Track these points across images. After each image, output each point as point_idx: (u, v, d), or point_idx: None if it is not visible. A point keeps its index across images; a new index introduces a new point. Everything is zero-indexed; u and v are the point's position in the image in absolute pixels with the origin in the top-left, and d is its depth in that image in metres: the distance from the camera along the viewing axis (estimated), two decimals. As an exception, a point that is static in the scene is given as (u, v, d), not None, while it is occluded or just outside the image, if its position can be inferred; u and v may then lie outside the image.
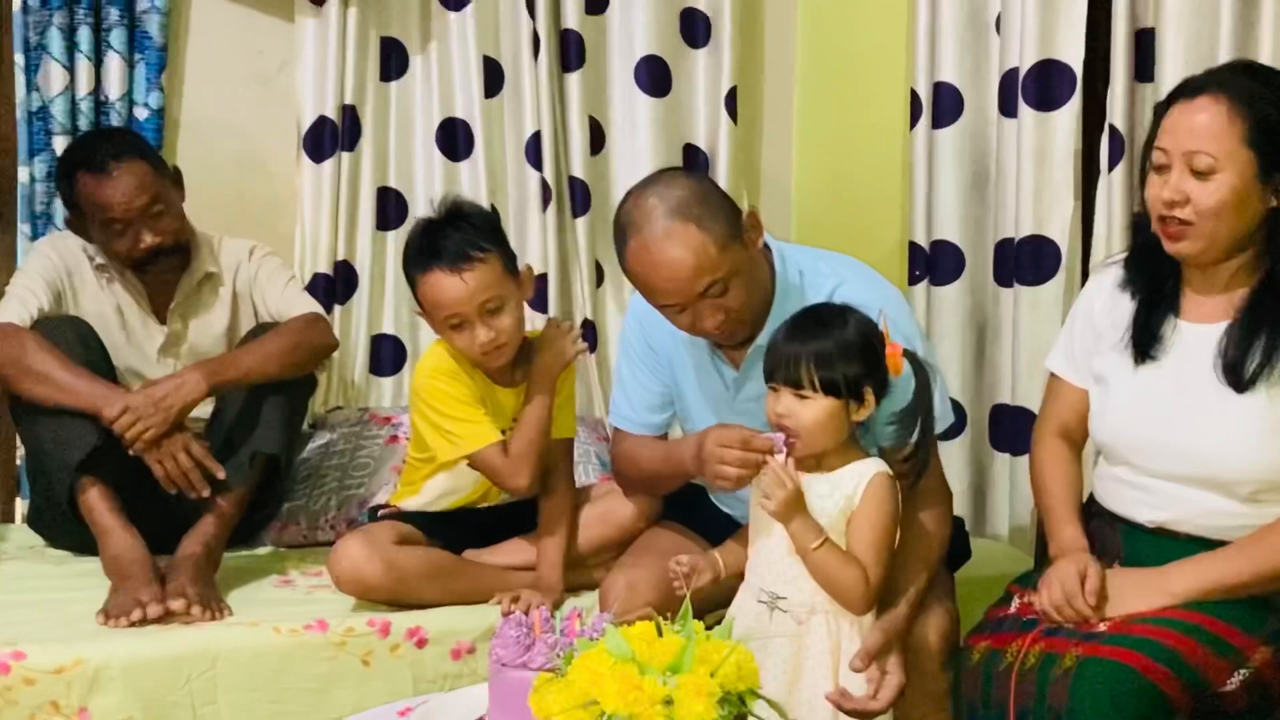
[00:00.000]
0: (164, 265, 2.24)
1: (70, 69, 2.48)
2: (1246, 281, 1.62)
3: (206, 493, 2.05)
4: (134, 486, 2.08)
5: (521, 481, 2.00)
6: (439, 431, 1.99)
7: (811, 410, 1.62)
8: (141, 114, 2.54)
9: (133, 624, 1.89)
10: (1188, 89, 1.61)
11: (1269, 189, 1.57)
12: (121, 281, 2.26)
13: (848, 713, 1.62)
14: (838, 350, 1.62)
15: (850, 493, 1.62)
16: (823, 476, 1.65)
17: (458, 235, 1.94)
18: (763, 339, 1.78)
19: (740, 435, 1.66)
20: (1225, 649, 1.51)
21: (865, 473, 1.63)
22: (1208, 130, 1.55)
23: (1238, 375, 1.58)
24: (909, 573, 1.72)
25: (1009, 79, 2.33)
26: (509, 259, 2.00)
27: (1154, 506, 1.66)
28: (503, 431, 2.02)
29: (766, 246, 1.82)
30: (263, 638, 1.88)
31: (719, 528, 1.97)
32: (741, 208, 1.78)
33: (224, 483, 2.08)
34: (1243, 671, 1.51)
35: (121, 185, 2.13)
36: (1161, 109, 1.64)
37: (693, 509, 2.05)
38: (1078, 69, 2.23)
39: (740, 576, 1.73)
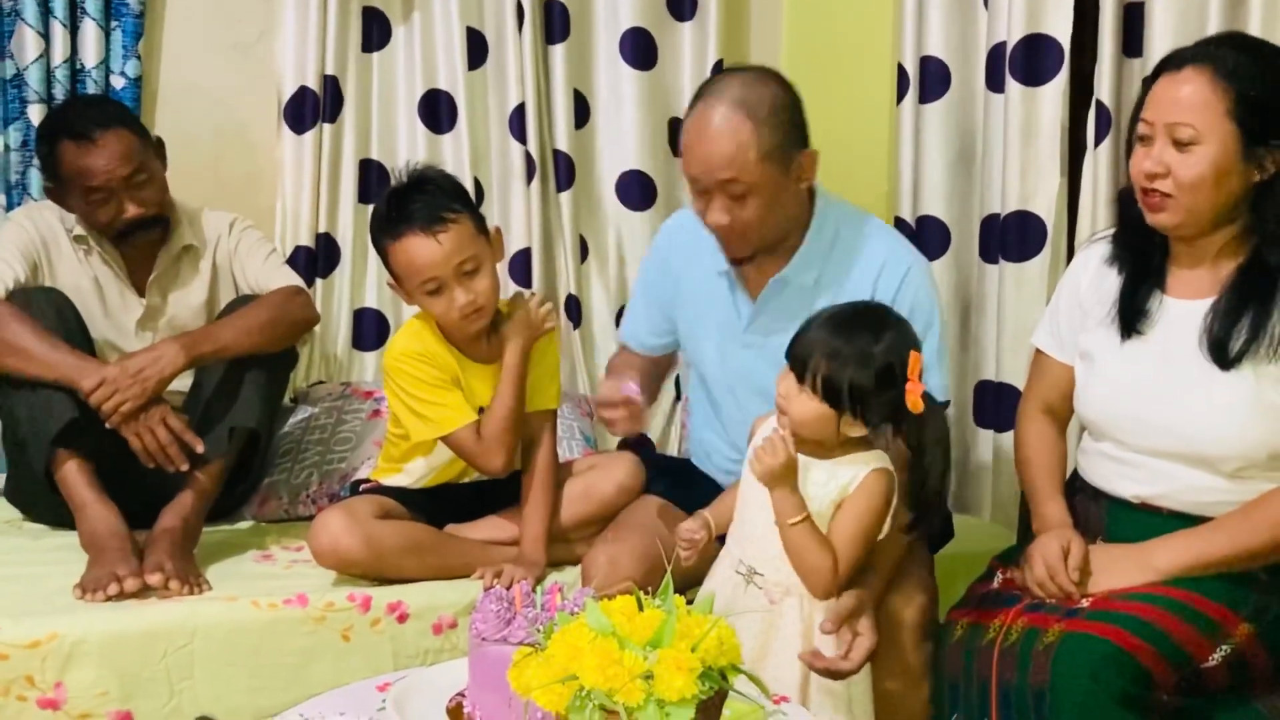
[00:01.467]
0: (145, 237, 2.20)
1: (45, 36, 2.44)
2: (1233, 257, 1.61)
3: (185, 467, 2.03)
4: (112, 460, 2.06)
5: (495, 462, 1.98)
6: (412, 413, 1.98)
7: (802, 407, 1.58)
8: (119, 83, 2.50)
9: (109, 598, 1.87)
10: (1174, 61, 1.60)
11: (1252, 163, 1.56)
12: (100, 253, 2.22)
13: (819, 672, 1.63)
14: (855, 359, 1.55)
15: (846, 484, 1.60)
16: (823, 463, 1.62)
17: (427, 199, 1.92)
18: (788, 273, 1.82)
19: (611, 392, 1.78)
20: (1208, 625, 1.51)
21: (864, 466, 1.61)
22: (1190, 102, 1.54)
23: (1223, 352, 1.58)
24: (886, 540, 1.72)
25: (996, 53, 2.31)
26: (479, 220, 1.98)
27: (1138, 482, 1.66)
28: (480, 410, 2.01)
29: (814, 194, 1.84)
30: (241, 612, 1.87)
31: (703, 497, 1.97)
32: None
33: (202, 457, 2.05)
34: (1224, 648, 1.51)
35: (105, 153, 2.09)
36: (1148, 81, 1.63)
37: (678, 483, 2.05)
38: (1065, 43, 2.21)
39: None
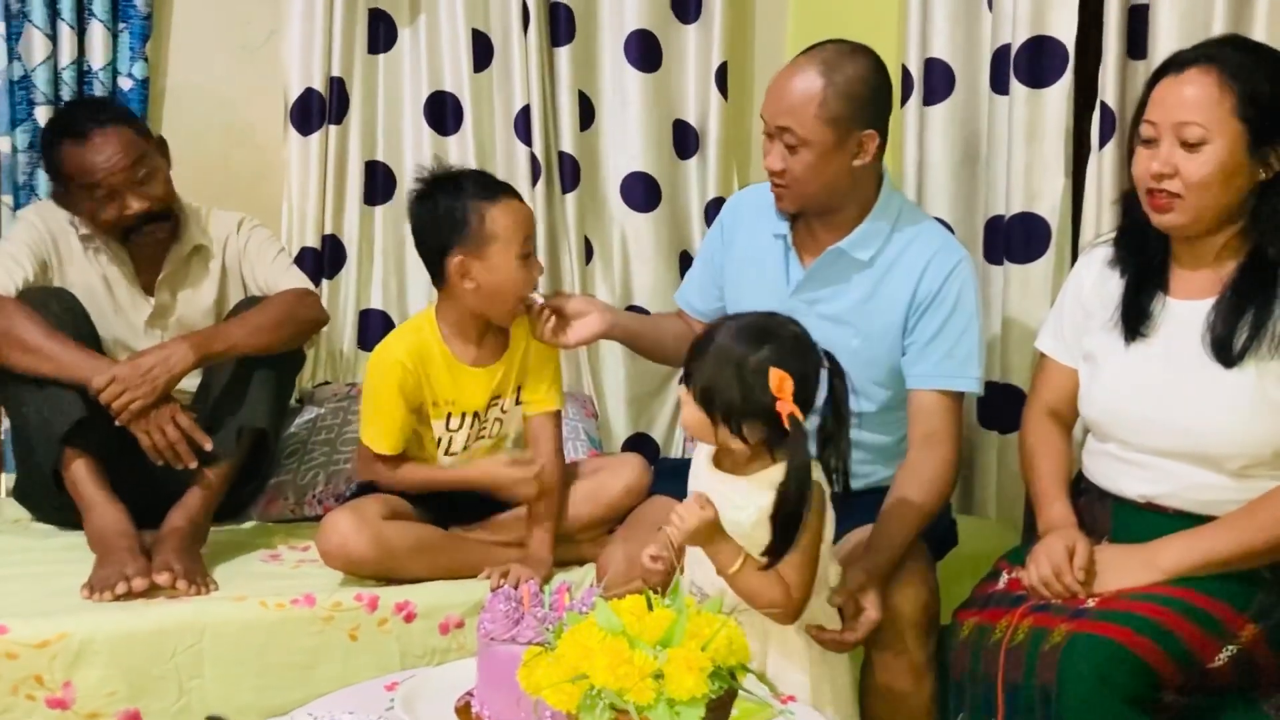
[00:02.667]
0: (152, 234, 2.20)
1: (53, 38, 2.44)
2: (1234, 257, 1.62)
3: (194, 464, 2.04)
4: (120, 459, 2.06)
5: (394, 487, 2.03)
6: (363, 410, 2.02)
7: (688, 411, 1.57)
8: (126, 84, 2.51)
9: (117, 597, 1.88)
10: (1176, 62, 1.61)
11: (1257, 161, 1.57)
12: (108, 252, 2.23)
13: (822, 644, 1.64)
14: (729, 369, 1.52)
15: (764, 504, 1.53)
16: (738, 481, 1.58)
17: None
18: (845, 245, 1.88)
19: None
20: (1213, 625, 1.52)
21: (774, 483, 1.53)
22: (1197, 102, 1.55)
23: (1226, 351, 1.58)
24: (898, 520, 1.75)
25: (1001, 55, 2.32)
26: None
27: (1143, 481, 1.66)
28: (476, 414, 2.02)
29: (881, 180, 1.91)
30: (249, 612, 1.88)
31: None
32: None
33: (211, 456, 2.06)
34: (1230, 648, 1.52)
35: (104, 149, 2.10)
36: (1150, 83, 1.64)
37: (688, 482, 2.06)
38: (1070, 45, 2.21)
39: None
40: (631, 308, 2.82)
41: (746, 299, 1.98)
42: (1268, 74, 1.57)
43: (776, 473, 1.55)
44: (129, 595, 1.88)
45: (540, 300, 2.00)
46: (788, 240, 1.94)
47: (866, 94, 1.82)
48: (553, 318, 2.00)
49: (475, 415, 2.02)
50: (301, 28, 2.63)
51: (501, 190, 1.96)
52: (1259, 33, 1.89)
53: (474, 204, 1.91)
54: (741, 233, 2.04)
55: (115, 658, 1.79)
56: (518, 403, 2.07)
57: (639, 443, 2.87)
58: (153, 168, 2.17)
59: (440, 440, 2.04)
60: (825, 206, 1.88)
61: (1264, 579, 1.58)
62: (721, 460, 1.63)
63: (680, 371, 1.62)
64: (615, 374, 2.86)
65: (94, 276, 2.22)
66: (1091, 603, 1.57)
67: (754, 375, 1.52)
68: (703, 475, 1.65)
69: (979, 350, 1.89)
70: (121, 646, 1.80)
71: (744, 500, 1.56)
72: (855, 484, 2.00)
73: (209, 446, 2.05)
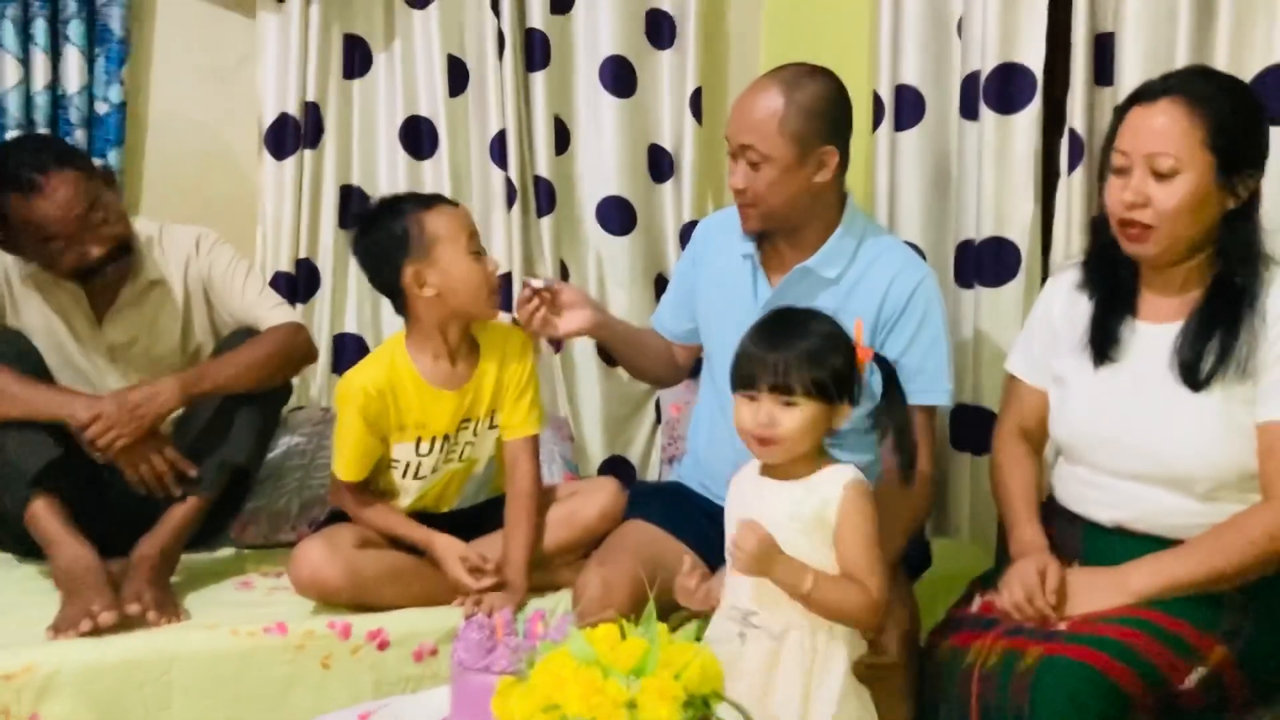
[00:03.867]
0: (114, 269, 2.15)
1: (25, 62, 2.43)
2: (1201, 282, 1.64)
3: (178, 494, 2.03)
4: (90, 489, 2.04)
5: (357, 510, 2.04)
6: (336, 436, 2.03)
7: (795, 417, 1.53)
8: (102, 108, 2.50)
9: (83, 635, 1.84)
10: (1146, 93, 1.63)
11: (1225, 191, 1.59)
12: (64, 290, 2.18)
13: (868, 671, 1.58)
14: (827, 347, 1.55)
15: (826, 496, 1.54)
16: (796, 483, 1.58)
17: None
18: (812, 264, 1.92)
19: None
20: (1183, 647, 1.53)
21: (840, 479, 1.55)
22: (1168, 133, 1.57)
23: (1193, 375, 1.60)
24: (885, 534, 1.70)
25: (970, 81, 2.34)
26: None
27: (1112, 506, 1.68)
28: (446, 437, 2.01)
29: (845, 201, 1.95)
30: (220, 641, 1.86)
31: (691, 523, 1.99)
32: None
33: (191, 486, 2.04)
34: (1200, 669, 1.53)
35: (55, 199, 2.01)
36: (1120, 112, 1.67)
37: (666, 506, 2.06)
38: (1038, 72, 2.24)
39: None
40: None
41: (716, 319, 2.00)
42: (1234, 105, 1.60)
43: (836, 472, 1.56)
44: (95, 631, 1.85)
45: (539, 284, 1.99)
46: (755, 260, 1.97)
47: (826, 110, 1.86)
48: (542, 308, 1.99)
49: (445, 440, 2.02)
50: (276, 53, 2.63)
51: (434, 198, 2.02)
52: (1220, 59, 1.92)
53: (410, 216, 1.96)
54: (711, 254, 2.07)
55: (83, 689, 1.77)
56: (491, 426, 2.07)
57: (615, 466, 2.87)
58: (106, 207, 2.10)
59: (409, 465, 2.03)
60: (789, 224, 1.92)
61: (1232, 600, 1.59)
62: (770, 470, 1.60)
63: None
64: (591, 396, 2.86)
65: (52, 313, 2.19)
66: (1063, 626, 1.58)
67: (838, 338, 1.57)
68: (752, 488, 1.61)
69: (949, 364, 1.93)
70: (89, 678, 1.78)
71: (804, 494, 1.55)
72: None
73: (194, 473, 2.04)
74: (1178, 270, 1.65)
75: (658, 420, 2.87)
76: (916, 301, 1.90)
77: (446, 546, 2.01)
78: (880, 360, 1.64)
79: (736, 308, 1.95)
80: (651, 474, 2.88)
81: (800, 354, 1.54)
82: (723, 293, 2.02)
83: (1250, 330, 1.58)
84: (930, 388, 1.90)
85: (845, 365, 1.56)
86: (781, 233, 1.94)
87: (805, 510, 1.54)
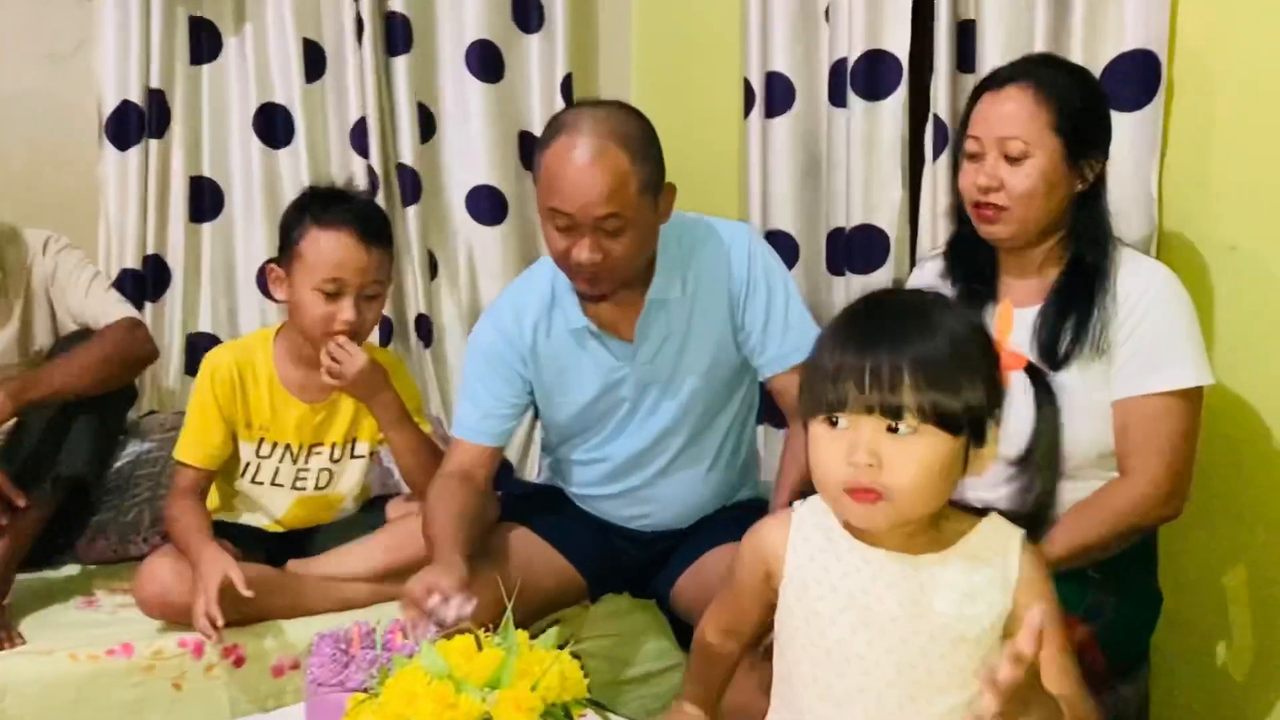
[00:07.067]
0: None
1: None
2: (1056, 265, 1.69)
3: (4, 521, 1.88)
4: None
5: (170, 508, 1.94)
6: (187, 420, 1.96)
7: (915, 454, 1.04)
8: (-82, 95, 2.33)
9: None
10: (995, 80, 1.68)
11: (1075, 174, 1.65)
12: None
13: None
14: (955, 356, 1.05)
15: (1002, 581, 1.07)
16: (945, 560, 1.08)
17: (377, 215, 1.97)
18: (655, 294, 1.81)
19: (430, 586, 1.48)
20: (1046, 628, 1.54)
21: (1006, 547, 1.08)
22: (1017, 117, 1.62)
23: (1052, 355, 1.63)
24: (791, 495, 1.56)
25: (838, 68, 2.34)
26: (390, 268, 1.99)
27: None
28: (288, 449, 1.95)
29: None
30: (57, 666, 1.75)
31: (566, 531, 1.96)
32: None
33: (23, 515, 1.91)
34: (1064, 651, 1.54)
35: None
36: (971, 99, 1.71)
37: (544, 509, 2.01)
38: (904, 59, 2.25)
39: None
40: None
41: (577, 394, 1.89)
42: (1079, 91, 1.66)
43: (993, 534, 1.10)
44: None
45: (335, 345, 1.87)
46: (592, 327, 1.84)
47: (656, 148, 1.74)
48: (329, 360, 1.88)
49: (288, 450, 1.94)
50: (116, 37, 2.48)
51: (339, 222, 1.87)
52: (1075, 45, 1.96)
53: (307, 219, 1.89)
54: (538, 348, 1.88)
55: (-97, 725, 1.64)
56: (355, 457, 2.00)
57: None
58: None
59: (248, 466, 1.95)
60: (638, 273, 1.79)
61: (1092, 578, 1.61)
62: (883, 539, 1.10)
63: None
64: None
65: None
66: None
67: (978, 341, 1.08)
68: (869, 573, 1.11)
69: (808, 314, 1.89)
70: (-90, 713, 1.65)
71: (964, 580, 1.07)
72: (740, 495, 2.00)
73: (22, 504, 1.89)
74: (1034, 253, 1.70)
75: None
76: (755, 267, 1.85)
77: (212, 562, 1.79)
78: (1031, 370, 1.16)
79: (597, 372, 1.85)
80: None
81: (917, 359, 1.04)
82: (572, 375, 1.87)
83: (1103, 309, 1.63)
84: (802, 344, 1.80)
85: (985, 380, 1.08)
86: (626, 285, 1.79)
87: (983, 611, 1.07)
